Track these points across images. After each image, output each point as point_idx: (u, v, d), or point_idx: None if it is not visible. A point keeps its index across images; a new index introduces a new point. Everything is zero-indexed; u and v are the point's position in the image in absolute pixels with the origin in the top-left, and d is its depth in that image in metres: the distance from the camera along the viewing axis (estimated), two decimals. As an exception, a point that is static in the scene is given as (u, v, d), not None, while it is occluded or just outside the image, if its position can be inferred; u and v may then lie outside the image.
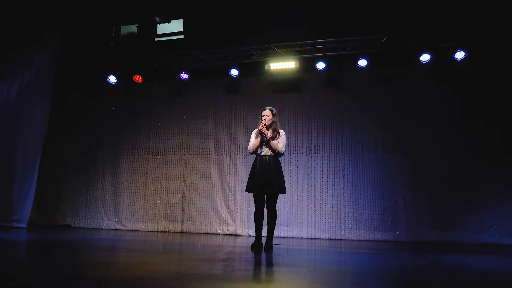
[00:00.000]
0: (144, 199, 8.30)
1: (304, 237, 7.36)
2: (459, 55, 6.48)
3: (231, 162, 8.02)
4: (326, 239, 7.21)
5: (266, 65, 7.44)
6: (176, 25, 10.31)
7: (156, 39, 9.47)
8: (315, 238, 7.27)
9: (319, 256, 4.65)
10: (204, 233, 7.78)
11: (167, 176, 8.28)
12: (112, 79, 8.37)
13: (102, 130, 8.74)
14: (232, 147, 8.08)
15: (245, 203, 7.77)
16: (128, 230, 8.17)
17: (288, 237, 7.36)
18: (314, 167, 7.58)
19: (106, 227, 8.35)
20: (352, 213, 7.24)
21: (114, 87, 8.58)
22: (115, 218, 8.36)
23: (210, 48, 7.98)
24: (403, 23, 6.89)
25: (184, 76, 7.94)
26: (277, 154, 4.61)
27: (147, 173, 8.42)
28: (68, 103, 8.76)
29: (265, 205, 4.65)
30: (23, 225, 7.39)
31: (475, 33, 6.52)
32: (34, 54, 7.92)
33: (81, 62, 8.64)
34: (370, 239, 7.06)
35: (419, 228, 6.89)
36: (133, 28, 10.35)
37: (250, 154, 4.90)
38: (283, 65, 7.23)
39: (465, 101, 7.00)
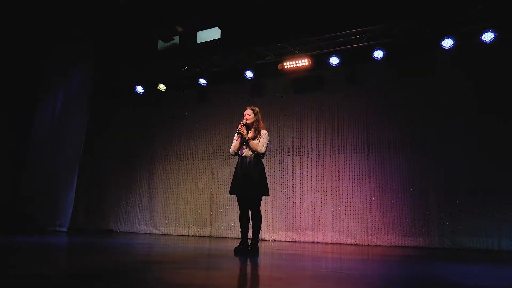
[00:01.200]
0: (176, 204, 8.52)
1: (329, 242, 7.00)
2: (487, 36, 5.68)
3: (256, 165, 7.90)
4: (351, 244, 6.79)
5: (279, 65, 7.22)
6: (214, 33, 10.52)
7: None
8: (340, 243, 6.88)
9: (346, 264, 4.26)
10: (230, 237, 7.77)
11: (196, 181, 8.42)
12: (140, 89, 8.77)
13: (137, 138, 9.15)
14: (256, 150, 7.96)
15: (269, 207, 7.61)
16: (162, 234, 8.43)
17: (313, 242, 7.06)
18: (338, 168, 7.19)
19: (143, 231, 8.70)
20: (379, 217, 6.73)
21: (146, 96, 8.93)
22: (151, 223, 8.68)
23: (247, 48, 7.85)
24: (420, 8, 6.24)
25: (203, 81, 8.00)
26: (257, 154, 4.44)
27: (178, 178, 8.63)
28: (106, 113, 9.32)
29: (249, 207, 4.48)
30: (64, 229, 7.98)
31: (504, 10, 5.67)
32: (73, 69, 8.51)
33: (115, 72, 9.15)
34: (400, 244, 6.51)
35: (454, 233, 6.19)
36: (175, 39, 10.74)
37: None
38: (297, 63, 6.96)
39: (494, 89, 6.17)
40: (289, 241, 7.27)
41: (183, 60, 9.00)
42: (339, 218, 7.01)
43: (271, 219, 7.57)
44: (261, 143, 4.45)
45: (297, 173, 7.51)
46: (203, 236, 8.04)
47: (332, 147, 7.31)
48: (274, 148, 7.81)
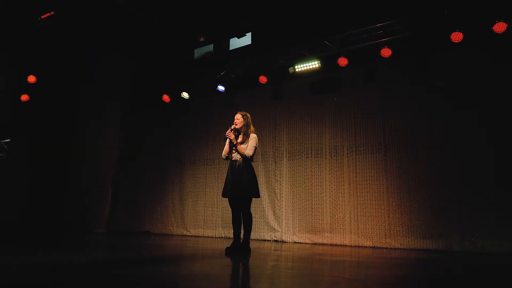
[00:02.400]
0: (204, 206, 8.84)
1: (347, 244, 6.90)
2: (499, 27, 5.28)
3: (276, 168, 8.00)
4: (369, 247, 6.64)
5: (290, 68, 7.26)
6: (245, 39, 10.80)
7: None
8: (358, 246, 6.76)
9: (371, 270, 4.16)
10: (253, 239, 7.92)
11: (222, 184, 8.63)
12: (185, 95, 9.17)
13: (169, 144, 9.62)
14: (276, 153, 8.06)
15: (290, 210, 7.66)
16: (192, 236, 8.80)
17: (331, 245, 7.01)
18: (356, 169, 7.06)
19: (175, 233, 9.14)
20: (397, 219, 6.53)
21: (178, 104, 9.37)
22: (182, 225, 9.10)
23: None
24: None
25: (221, 88, 8.25)
26: (245, 158, 4.56)
27: (206, 182, 8.96)
28: (139, 120, 9.92)
29: (240, 209, 4.62)
30: (103, 231, 8.63)
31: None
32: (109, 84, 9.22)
33: (151, 81, 9.71)
34: (419, 247, 6.26)
35: (475, 236, 5.83)
36: (210, 47, 11.16)
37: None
38: (306, 66, 6.96)
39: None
40: (308, 243, 7.27)
41: (215, 67, 9.30)
42: (357, 220, 6.90)
43: (291, 221, 7.62)
44: (248, 147, 4.58)
45: (316, 174, 7.49)
46: (229, 238, 8.27)
47: (349, 147, 7.20)
48: (293, 151, 7.86)
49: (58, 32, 7.76)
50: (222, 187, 8.36)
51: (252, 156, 4.63)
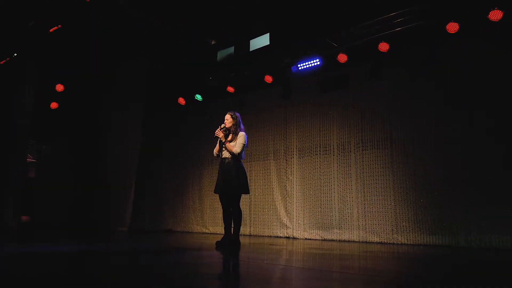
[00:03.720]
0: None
1: (355, 240, 6.91)
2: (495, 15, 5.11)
3: (288, 166, 8.12)
4: (376, 243, 6.62)
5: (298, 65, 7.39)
6: (264, 40, 10.99)
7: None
8: (366, 242, 6.75)
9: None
10: (267, 236, 8.08)
11: (237, 183, 8.89)
12: (199, 97, 9.51)
13: (188, 144, 9.97)
14: (287, 151, 8.18)
15: (300, 207, 7.76)
16: (211, 233, 9.09)
17: (340, 241, 7.04)
18: (363, 165, 7.06)
19: (196, 231, 9.47)
20: (404, 214, 6.47)
21: (197, 104, 9.68)
22: (201, 223, 9.41)
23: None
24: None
25: (230, 89, 8.47)
26: (234, 155, 4.74)
27: (222, 181, 9.21)
28: (160, 122, 10.35)
29: (230, 205, 4.81)
30: (125, 229, 9.11)
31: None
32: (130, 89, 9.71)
33: (171, 85, 10.10)
34: (426, 243, 6.18)
35: (482, 231, 5.69)
36: (231, 50, 11.45)
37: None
38: (313, 63, 7.07)
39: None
40: (318, 240, 7.34)
41: (234, 68, 9.52)
42: (364, 216, 6.89)
43: (301, 218, 7.71)
44: (237, 144, 4.76)
45: (324, 171, 7.55)
46: (243, 235, 8.48)
47: (356, 144, 7.21)
48: (303, 148, 7.95)
49: (78, 39, 8.30)
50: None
51: (240, 154, 4.80)
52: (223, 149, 4.88)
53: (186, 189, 9.88)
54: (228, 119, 4.92)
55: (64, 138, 9.93)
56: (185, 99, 9.71)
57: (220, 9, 9.72)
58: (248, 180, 8.49)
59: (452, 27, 5.55)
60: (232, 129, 4.89)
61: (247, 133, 8.78)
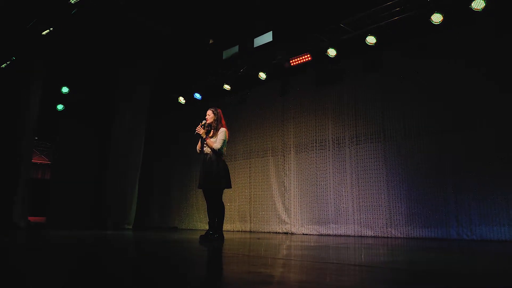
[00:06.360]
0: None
1: (351, 234, 6.90)
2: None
3: (285, 162, 8.16)
4: (371, 236, 6.59)
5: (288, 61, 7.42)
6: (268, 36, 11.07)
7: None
8: (360, 236, 6.73)
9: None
10: (266, 232, 8.14)
11: (237, 180, 8.98)
12: (198, 96, 9.66)
13: (191, 143, 10.11)
14: (285, 147, 8.22)
15: (298, 202, 7.78)
16: (213, 230, 9.20)
17: (336, 235, 7.04)
18: (357, 159, 7.04)
19: (200, 228, 9.60)
20: (397, 208, 6.42)
21: (195, 103, 9.83)
22: (205, 220, 9.53)
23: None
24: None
25: (227, 87, 8.57)
26: (214, 151, 4.82)
27: (224, 179, 9.32)
28: (166, 123, 10.56)
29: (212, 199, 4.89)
30: (130, 227, 9.33)
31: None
32: (133, 89, 9.90)
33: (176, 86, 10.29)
34: (419, 236, 6.12)
35: (474, 223, 5.60)
36: (236, 49, 11.56)
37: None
38: (300, 59, 7.08)
39: None
40: (315, 235, 7.35)
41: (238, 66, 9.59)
42: (359, 210, 6.88)
43: (299, 213, 7.73)
44: (217, 140, 4.83)
45: (320, 166, 7.55)
46: (245, 231, 8.57)
47: (351, 138, 7.19)
48: (300, 144, 7.97)
49: (84, 43, 8.55)
50: (237, 184, 8.83)
51: (220, 149, 4.87)
52: (205, 145, 4.96)
53: (190, 188, 10.02)
54: (209, 115, 5.00)
55: (72, 137, 10.23)
56: (187, 99, 9.88)
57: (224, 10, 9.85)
58: (249, 176, 8.66)
59: (437, 18, 5.49)
60: (214, 125, 4.97)
61: (246, 131, 8.97)
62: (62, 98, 9.81)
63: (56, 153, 10.93)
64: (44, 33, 6.43)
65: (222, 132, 4.88)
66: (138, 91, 9.88)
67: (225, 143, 4.93)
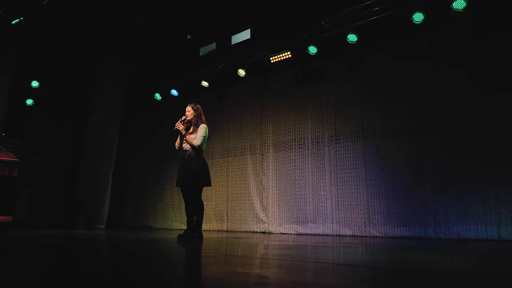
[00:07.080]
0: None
1: (329, 234, 6.86)
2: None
3: (264, 160, 8.06)
4: (349, 235, 6.57)
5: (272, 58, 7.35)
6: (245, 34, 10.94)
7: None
8: (339, 235, 6.71)
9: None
10: (244, 231, 8.02)
11: (215, 179, 8.81)
12: (174, 92, 9.43)
13: (168, 140, 9.88)
14: (264, 146, 8.12)
15: (276, 201, 7.70)
16: (189, 230, 9.01)
17: (314, 235, 6.99)
18: (336, 158, 7.01)
19: (175, 228, 9.39)
20: (376, 207, 6.42)
21: (171, 100, 9.60)
22: (180, 220, 9.33)
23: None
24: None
25: (205, 83, 8.42)
26: (194, 148, 4.68)
27: (201, 177, 9.15)
28: (141, 120, 10.29)
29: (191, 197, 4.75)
30: (103, 226, 9.02)
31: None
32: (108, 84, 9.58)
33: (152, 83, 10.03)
34: (396, 235, 6.13)
35: (451, 222, 5.65)
36: (213, 46, 11.37)
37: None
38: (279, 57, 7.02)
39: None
40: (293, 234, 7.28)
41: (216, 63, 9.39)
42: (338, 209, 6.84)
43: (277, 212, 7.65)
44: (197, 137, 4.70)
45: (299, 165, 7.49)
46: (221, 231, 8.42)
47: (330, 137, 7.15)
48: (278, 143, 7.88)
49: (57, 36, 8.20)
50: (214, 182, 8.67)
51: (200, 146, 4.73)
52: (184, 141, 4.81)
53: (165, 187, 9.80)
54: (189, 111, 4.85)
55: (43, 133, 9.83)
56: (163, 96, 9.66)
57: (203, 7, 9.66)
58: (226, 175, 8.52)
59: (419, 17, 5.51)
60: (193, 121, 4.83)
61: (224, 129, 8.82)
62: (32, 93, 9.40)
63: (24, 148, 10.51)
64: (13, 22, 6.07)
65: (202, 129, 4.75)
66: (113, 86, 9.58)
67: (205, 139, 4.79)
